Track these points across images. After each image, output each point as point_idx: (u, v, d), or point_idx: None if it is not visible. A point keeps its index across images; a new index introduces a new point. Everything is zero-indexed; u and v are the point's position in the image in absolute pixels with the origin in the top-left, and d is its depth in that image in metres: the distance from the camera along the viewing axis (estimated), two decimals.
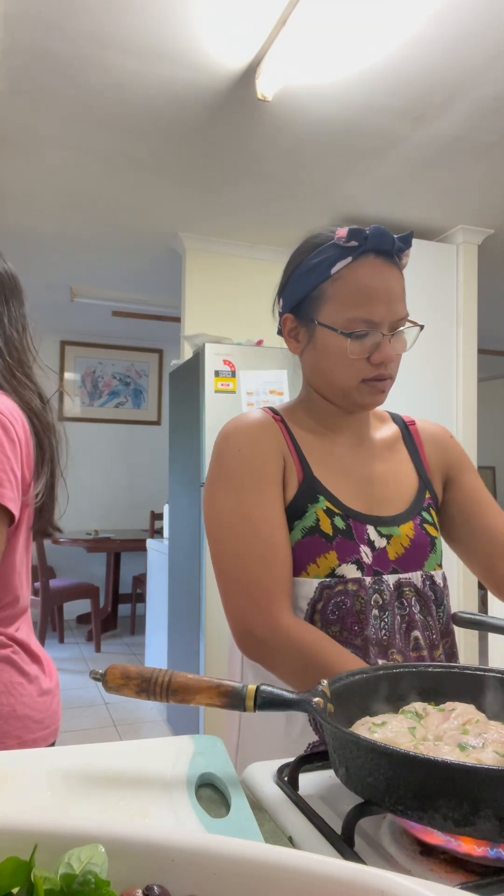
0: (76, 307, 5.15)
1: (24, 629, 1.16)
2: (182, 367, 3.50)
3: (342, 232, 1.00)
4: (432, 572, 1.03)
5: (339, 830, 0.55)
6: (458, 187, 3.24)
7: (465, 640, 3.60)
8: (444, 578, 1.07)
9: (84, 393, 6.35)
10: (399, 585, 0.99)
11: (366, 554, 0.98)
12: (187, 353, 3.80)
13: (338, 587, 0.96)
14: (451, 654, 1.05)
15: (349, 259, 0.98)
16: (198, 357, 3.18)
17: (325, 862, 0.38)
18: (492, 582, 1.08)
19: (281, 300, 1.08)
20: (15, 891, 0.37)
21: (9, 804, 0.58)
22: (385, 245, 0.99)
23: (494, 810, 0.49)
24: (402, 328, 1.00)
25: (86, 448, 6.18)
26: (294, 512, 0.98)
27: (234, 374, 3.12)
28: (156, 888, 0.38)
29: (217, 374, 3.10)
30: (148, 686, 0.64)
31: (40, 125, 2.70)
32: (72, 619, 5.98)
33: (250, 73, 2.35)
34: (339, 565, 0.96)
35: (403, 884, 0.35)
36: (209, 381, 3.09)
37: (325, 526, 0.97)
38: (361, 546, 0.98)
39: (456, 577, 3.53)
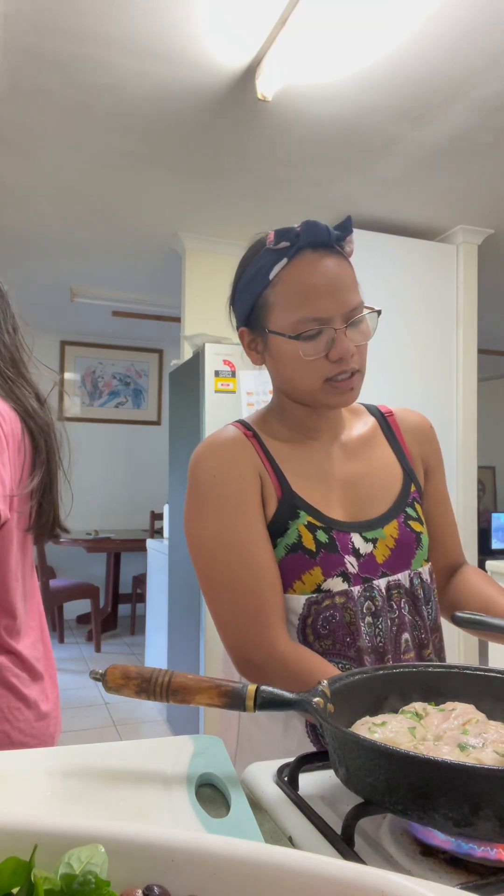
0: (76, 307, 5.15)
1: (29, 641, 1.13)
2: (182, 367, 3.50)
3: (271, 235, 0.97)
4: (420, 569, 1.02)
5: (339, 830, 0.55)
6: (458, 187, 3.24)
7: (465, 640, 3.60)
8: (431, 573, 1.05)
9: (84, 393, 6.35)
10: (389, 588, 0.98)
11: (351, 564, 0.96)
12: (187, 353, 3.80)
13: (325, 602, 0.94)
14: (440, 648, 1.04)
15: (284, 260, 0.95)
16: (198, 357, 3.18)
17: (325, 862, 0.38)
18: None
19: (234, 315, 1.05)
20: (15, 891, 0.37)
21: (9, 804, 0.58)
22: (319, 237, 0.95)
23: (494, 810, 0.49)
24: (358, 317, 0.95)
25: (86, 448, 6.18)
26: (275, 529, 0.96)
27: (234, 374, 3.12)
28: (156, 888, 0.38)
29: (217, 374, 3.10)
30: (148, 686, 0.64)
31: (40, 125, 2.70)
32: (72, 619, 5.98)
33: (250, 73, 2.35)
34: (325, 580, 0.94)
35: (403, 884, 0.35)
36: (209, 381, 3.09)
37: (308, 542, 0.95)
38: (346, 557, 0.96)
39: None
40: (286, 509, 0.96)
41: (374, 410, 1.14)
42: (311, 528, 0.95)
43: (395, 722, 0.64)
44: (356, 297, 0.96)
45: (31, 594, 1.18)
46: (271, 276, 0.96)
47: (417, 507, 1.04)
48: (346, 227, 0.98)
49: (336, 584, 0.95)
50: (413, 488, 1.05)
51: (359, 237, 3.55)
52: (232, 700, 0.64)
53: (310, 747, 0.94)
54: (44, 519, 1.15)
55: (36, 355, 1.24)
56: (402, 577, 0.99)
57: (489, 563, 3.17)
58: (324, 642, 0.94)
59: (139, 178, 3.15)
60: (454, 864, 0.53)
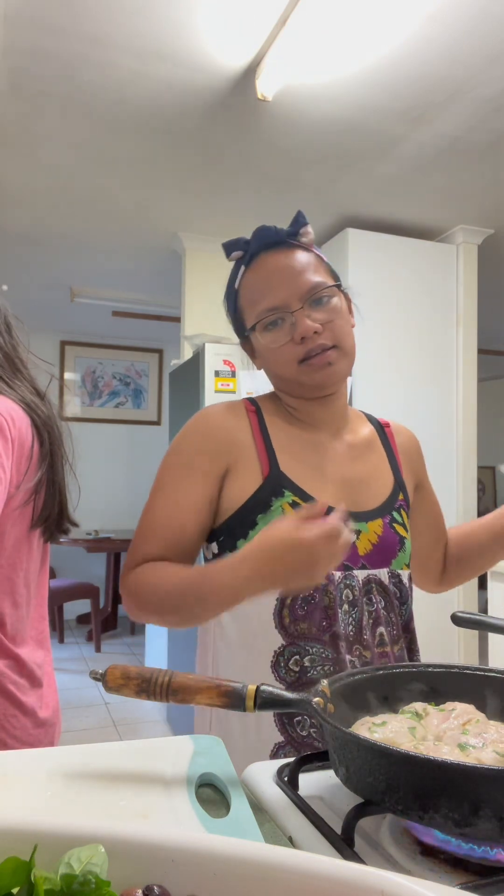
0: (76, 307, 5.15)
1: (30, 647, 1.12)
2: (182, 367, 3.50)
3: (229, 252, 1.05)
4: (399, 571, 1.03)
5: (339, 830, 0.55)
6: (458, 187, 3.24)
7: (465, 640, 3.60)
8: (411, 579, 1.08)
9: (84, 393, 6.35)
10: (368, 582, 0.99)
11: None
12: (187, 353, 3.80)
13: None
14: (411, 650, 1.06)
15: (243, 268, 1.03)
16: (198, 357, 3.18)
17: (325, 862, 0.38)
18: (424, 573, 1.19)
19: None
20: (15, 891, 0.37)
21: (9, 804, 0.58)
22: (269, 238, 1.01)
23: (494, 810, 0.49)
24: (318, 296, 0.98)
25: (86, 448, 6.13)
26: (256, 506, 0.97)
27: (234, 374, 3.12)
28: (156, 888, 0.38)
29: (217, 374, 3.10)
30: (148, 686, 0.64)
31: (40, 125, 2.70)
32: (72, 619, 5.98)
33: (250, 73, 2.35)
34: None
35: (403, 884, 0.35)
36: (209, 381, 3.09)
37: None
38: None
39: None
40: (272, 486, 0.98)
41: (373, 420, 1.17)
42: (296, 506, 0.96)
43: (395, 722, 0.64)
44: (313, 278, 0.99)
45: (37, 598, 1.17)
46: (236, 285, 1.04)
47: (403, 513, 1.07)
48: (297, 222, 1.03)
49: None
50: (401, 497, 1.08)
51: (359, 237, 3.55)
52: (232, 700, 0.64)
53: (278, 737, 0.94)
54: (47, 512, 1.13)
55: (36, 355, 1.24)
56: (381, 573, 1.01)
57: None
58: (300, 625, 0.95)
59: (139, 177, 3.14)
60: (454, 864, 0.53)
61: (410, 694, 0.72)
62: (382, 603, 1.00)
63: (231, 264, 1.07)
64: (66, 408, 6.11)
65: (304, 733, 0.93)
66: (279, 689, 0.65)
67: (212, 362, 3.10)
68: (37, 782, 0.61)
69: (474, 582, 3.63)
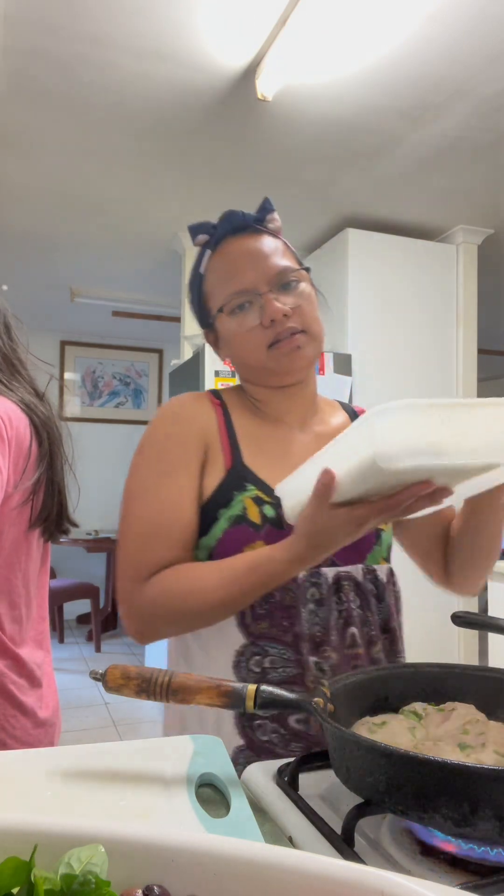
0: (76, 307, 5.15)
1: (30, 647, 1.12)
2: (182, 367, 3.50)
3: (195, 235, 1.03)
4: (375, 566, 0.98)
5: (339, 830, 0.55)
6: (458, 187, 3.24)
7: (465, 640, 3.60)
8: (391, 573, 1.02)
9: (84, 393, 6.35)
10: (338, 579, 0.94)
11: None
12: (187, 353, 3.80)
13: None
14: (392, 651, 1.00)
15: (209, 252, 1.01)
16: (198, 357, 3.18)
17: (326, 862, 0.38)
18: (430, 565, 1.11)
19: (197, 321, 1.09)
20: (15, 891, 0.37)
21: (9, 804, 0.57)
22: (236, 223, 0.99)
23: (494, 810, 0.49)
24: (286, 280, 0.97)
25: (86, 448, 6.18)
26: (219, 500, 0.93)
27: (234, 374, 3.12)
28: (156, 888, 0.38)
29: (217, 374, 3.10)
30: (148, 686, 0.64)
31: (40, 125, 2.70)
32: (72, 619, 5.98)
33: (250, 73, 2.35)
34: None
35: (403, 884, 0.35)
36: (209, 382, 3.09)
37: (253, 514, 0.92)
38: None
39: None
40: (233, 480, 0.94)
41: (347, 408, 1.13)
42: (259, 501, 0.92)
43: (395, 722, 0.64)
44: (281, 262, 0.97)
45: (38, 598, 1.17)
46: (202, 269, 1.02)
47: None
48: (264, 208, 1.02)
49: None
50: None
51: (359, 237, 3.55)
52: (232, 700, 0.64)
53: (238, 741, 0.90)
54: (46, 512, 1.13)
55: (36, 356, 1.24)
56: (354, 570, 0.96)
57: None
58: (260, 624, 0.91)
59: (139, 178, 3.14)
60: (454, 864, 0.53)
61: (410, 694, 0.72)
62: (357, 602, 0.95)
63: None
64: (65, 408, 6.13)
65: (265, 738, 0.89)
66: (279, 690, 0.65)
67: (212, 362, 3.10)
68: (37, 782, 0.61)
69: None
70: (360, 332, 3.52)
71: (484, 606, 3.68)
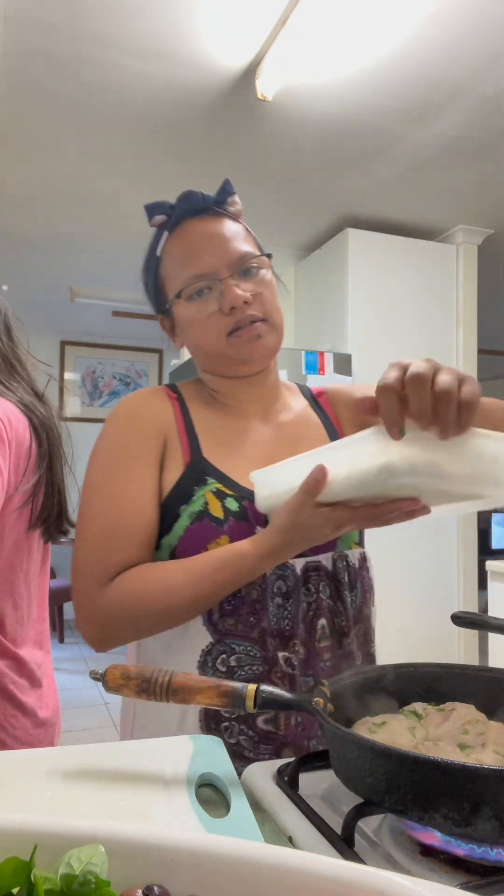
0: (76, 307, 5.15)
1: (30, 647, 1.12)
2: (182, 367, 3.49)
3: (152, 215, 0.98)
4: (347, 551, 0.95)
5: (339, 830, 0.55)
6: (458, 187, 3.24)
7: (465, 640, 3.60)
8: (364, 558, 0.98)
9: (84, 393, 6.35)
10: (306, 570, 0.90)
11: None
12: (187, 353, 3.79)
13: None
14: (366, 640, 0.97)
15: (166, 233, 0.97)
16: None
17: (325, 862, 0.38)
18: None
19: (151, 305, 1.05)
20: (15, 891, 0.37)
21: (9, 804, 0.57)
22: (194, 204, 0.96)
23: (494, 810, 0.49)
24: (247, 266, 0.93)
25: (86, 448, 6.13)
26: (180, 496, 0.90)
27: None
28: (156, 888, 0.38)
29: None
30: (148, 686, 0.64)
31: (40, 125, 2.70)
32: (72, 619, 5.97)
33: (250, 73, 2.35)
34: None
35: (403, 884, 0.35)
36: None
37: (215, 509, 0.88)
38: (258, 528, 0.88)
39: (456, 576, 3.53)
40: (193, 475, 0.91)
41: (305, 391, 1.09)
42: (220, 495, 0.89)
43: (395, 722, 0.64)
44: (242, 246, 0.94)
45: (38, 599, 1.17)
46: (158, 251, 0.98)
47: None
48: (224, 190, 0.99)
49: None
50: None
51: (359, 237, 3.55)
52: (232, 700, 0.63)
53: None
54: (45, 513, 1.13)
55: (36, 356, 1.24)
56: (324, 558, 0.92)
57: (489, 563, 3.17)
58: (227, 621, 0.88)
59: (139, 178, 3.14)
60: (454, 864, 0.53)
61: (410, 694, 0.72)
62: (327, 592, 0.91)
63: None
64: (65, 408, 6.13)
65: (233, 741, 0.86)
66: (279, 690, 0.65)
67: None
68: (37, 782, 0.61)
69: (474, 582, 3.62)
70: (360, 332, 3.52)
71: (484, 606, 3.68)
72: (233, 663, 0.88)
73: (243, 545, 0.84)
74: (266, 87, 2.35)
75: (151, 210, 0.99)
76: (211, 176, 3.12)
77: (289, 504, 0.79)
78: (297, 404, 1.05)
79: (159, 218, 0.98)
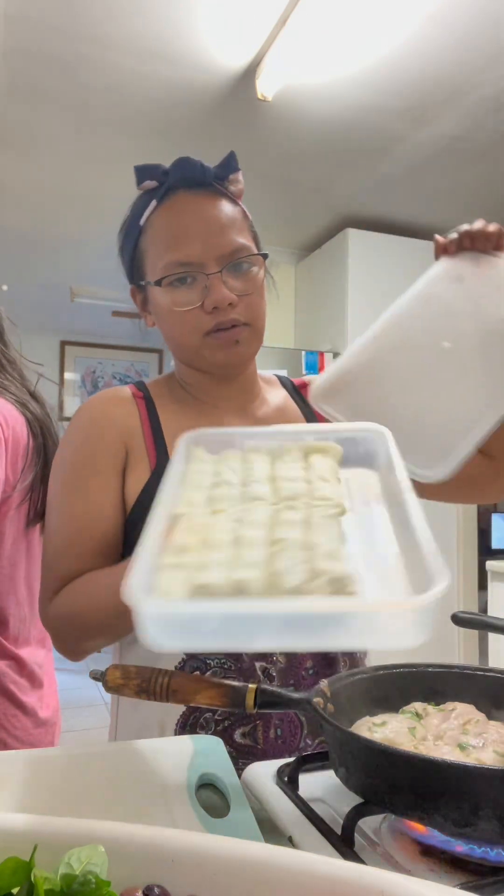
0: (76, 307, 5.15)
1: (31, 647, 1.12)
2: None
3: (141, 178, 0.88)
4: None
5: (339, 830, 0.55)
6: (458, 187, 3.24)
7: (465, 640, 3.60)
8: None
9: (84, 393, 6.34)
10: None
11: None
12: None
13: None
14: (354, 659, 0.91)
15: (154, 203, 0.87)
16: None
17: (325, 862, 0.38)
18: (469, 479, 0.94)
19: (124, 271, 0.95)
20: (15, 891, 0.37)
21: (9, 804, 0.57)
22: (192, 174, 0.85)
23: (494, 810, 0.49)
24: (237, 262, 0.84)
25: None
26: (146, 505, 0.82)
27: None
28: (156, 888, 0.38)
29: None
30: (148, 686, 0.64)
31: (40, 125, 2.70)
32: None
33: (250, 73, 2.35)
34: None
35: (403, 884, 0.35)
36: None
37: None
38: None
39: (456, 576, 3.52)
40: (159, 482, 0.84)
41: (286, 382, 1.03)
42: None
43: (395, 722, 0.64)
44: (236, 239, 0.85)
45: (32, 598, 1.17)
46: (142, 221, 0.88)
47: None
48: (228, 165, 0.89)
49: None
50: None
51: (359, 237, 3.55)
52: (232, 700, 0.63)
53: None
54: (43, 509, 1.13)
55: (36, 356, 1.24)
56: None
57: (489, 563, 3.17)
58: None
59: None
60: (454, 864, 0.53)
61: (410, 694, 0.72)
62: None
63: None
64: (65, 408, 6.13)
65: None
66: (279, 690, 0.64)
67: None
68: (37, 782, 0.61)
69: (474, 582, 3.62)
70: (359, 332, 3.50)
71: (484, 606, 3.68)
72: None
73: None
74: (266, 86, 2.35)
75: (141, 172, 0.88)
76: None
77: None
78: (276, 397, 0.99)
79: (149, 183, 0.88)
